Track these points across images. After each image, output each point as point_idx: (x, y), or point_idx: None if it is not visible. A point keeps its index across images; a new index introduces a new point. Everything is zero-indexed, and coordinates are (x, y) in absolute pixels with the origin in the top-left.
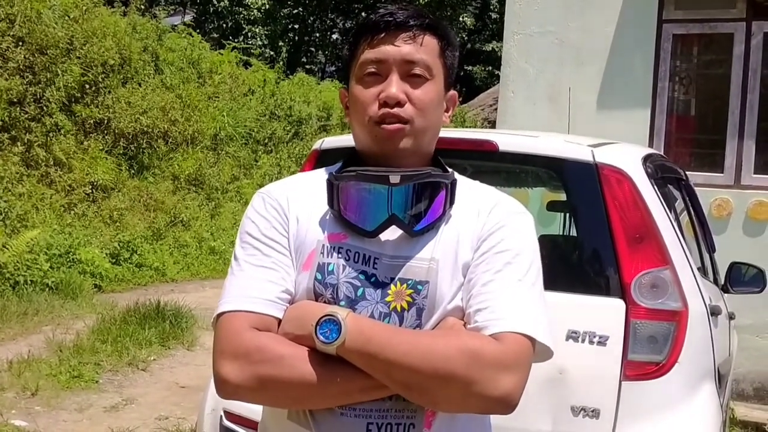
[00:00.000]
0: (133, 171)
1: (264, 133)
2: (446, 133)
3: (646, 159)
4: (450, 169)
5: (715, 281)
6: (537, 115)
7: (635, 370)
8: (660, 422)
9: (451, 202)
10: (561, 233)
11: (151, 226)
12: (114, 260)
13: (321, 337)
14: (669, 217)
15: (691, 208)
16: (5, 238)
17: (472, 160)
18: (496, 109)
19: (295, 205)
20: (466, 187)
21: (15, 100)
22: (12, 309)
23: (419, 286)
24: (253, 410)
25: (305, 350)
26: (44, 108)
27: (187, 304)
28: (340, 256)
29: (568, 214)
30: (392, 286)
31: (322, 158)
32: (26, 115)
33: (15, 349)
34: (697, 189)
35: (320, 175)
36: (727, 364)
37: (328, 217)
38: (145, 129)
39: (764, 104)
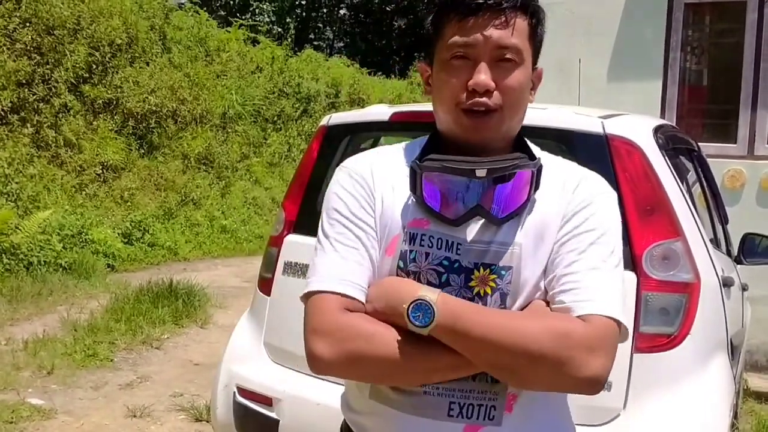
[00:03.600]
0: (143, 151)
1: (273, 111)
2: None
3: (657, 130)
4: (537, 151)
5: (728, 252)
6: (548, 87)
7: (647, 342)
8: (672, 394)
9: (536, 187)
10: None
11: (162, 205)
12: (126, 240)
13: (414, 321)
14: (680, 189)
15: (703, 179)
16: (18, 220)
17: None
18: None
19: (379, 184)
20: (551, 167)
21: (23, 81)
22: (26, 289)
23: (503, 272)
24: (266, 386)
25: (393, 328)
26: (53, 89)
27: (200, 283)
28: (422, 243)
29: None
30: (476, 271)
31: (329, 134)
32: (35, 96)
33: (30, 329)
34: (710, 160)
35: (402, 152)
36: (740, 335)
37: (410, 202)
38: (154, 108)
39: None
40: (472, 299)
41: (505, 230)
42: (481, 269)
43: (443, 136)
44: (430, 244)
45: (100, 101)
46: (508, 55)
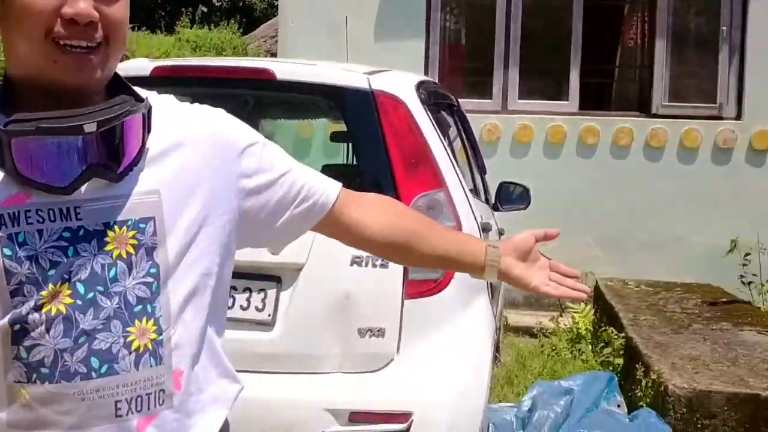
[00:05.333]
0: None
1: None
2: (222, 62)
3: (420, 86)
4: (140, 91)
5: (487, 200)
6: (317, 46)
7: (415, 288)
8: (440, 335)
9: (149, 130)
10: (344, 163)
11: None
12: None
13: None
14: (442, 142)
15: (463, 133)
16: None
17: (250, 90)
18: (278, 40)
19: None
20: (161, 105)
21: None
22: None
23: (142, 225)
24: None
25: None
26: None
27: None
28: (30, 220)
29: (350, 144)
30: (109, 231)
31: None
32: None
33: None
34: (469, 115)
35: None
36: None
37: None
38: None
39: (527, 33)
40: (114, 264)
41: (130, 182)
42: (116, 228)
43: (20, 81)
44: (41, 219)
45: None
46: None
